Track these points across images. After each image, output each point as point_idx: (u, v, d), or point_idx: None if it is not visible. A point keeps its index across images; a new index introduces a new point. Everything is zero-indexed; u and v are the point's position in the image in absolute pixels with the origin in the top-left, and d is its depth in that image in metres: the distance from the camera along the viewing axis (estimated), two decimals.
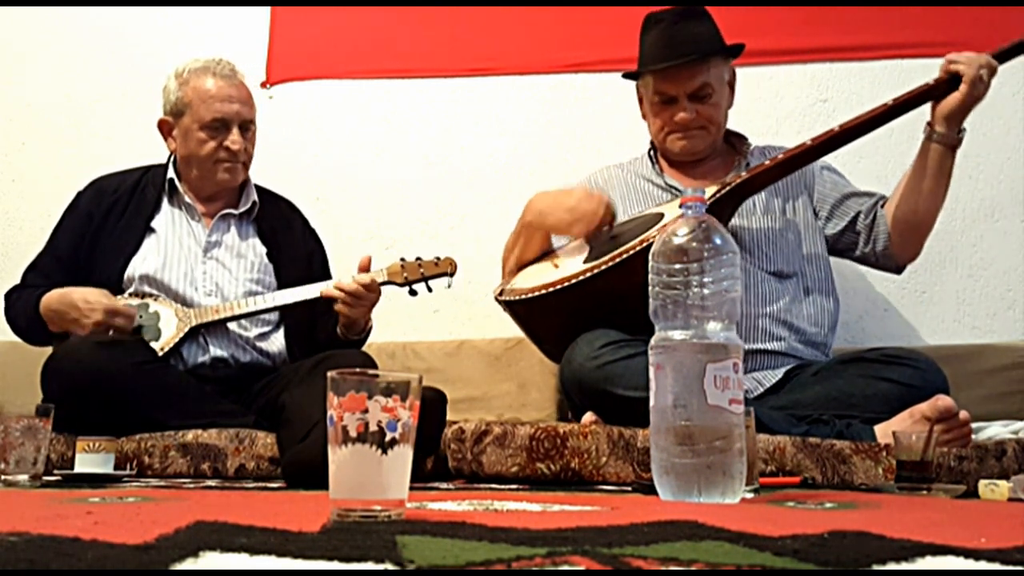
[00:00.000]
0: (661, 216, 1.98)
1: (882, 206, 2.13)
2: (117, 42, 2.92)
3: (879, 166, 2.53)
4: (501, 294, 2.07)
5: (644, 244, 1.83)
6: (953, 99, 1.93)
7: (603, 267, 1.87)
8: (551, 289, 1.92)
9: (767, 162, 2.01)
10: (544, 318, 2.01)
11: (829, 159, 2.15)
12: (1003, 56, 1.97)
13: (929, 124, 2.00)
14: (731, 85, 2.17)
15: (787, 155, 2.01)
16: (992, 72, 1.93)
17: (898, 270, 2.20)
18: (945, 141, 1.98)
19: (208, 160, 2.12)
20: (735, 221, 2.07)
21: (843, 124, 2.02)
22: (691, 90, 2.07)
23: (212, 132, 2.10)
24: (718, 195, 1.95)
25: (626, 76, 2.21)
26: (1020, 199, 2.57)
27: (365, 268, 2.07)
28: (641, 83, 2.18)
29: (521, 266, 2.15)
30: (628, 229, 1.99)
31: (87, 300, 1.94)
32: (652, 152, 2.25)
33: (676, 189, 2.16)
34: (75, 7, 2.93)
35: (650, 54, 2.10)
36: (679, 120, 2.10)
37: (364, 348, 2.17)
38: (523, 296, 1.98)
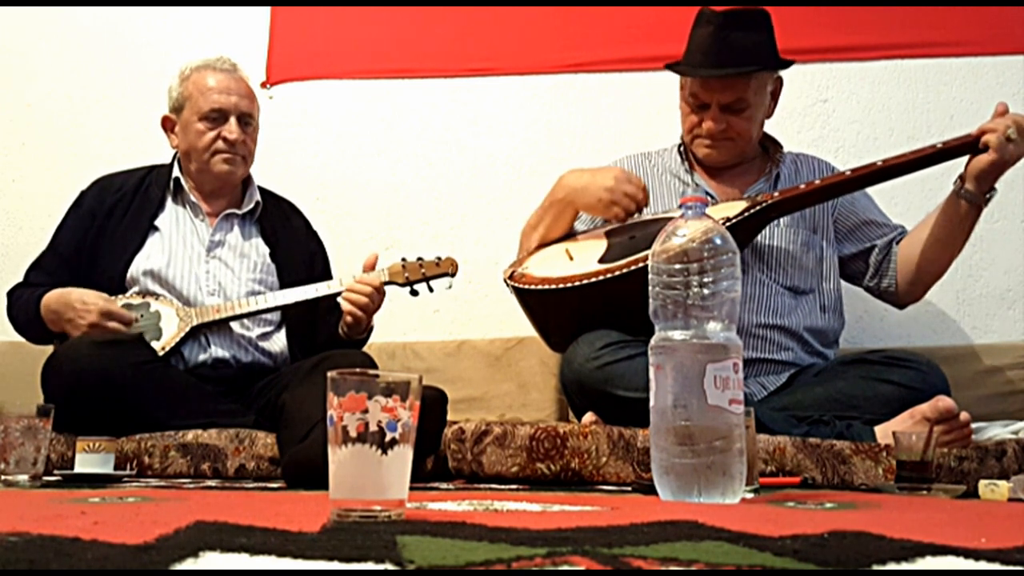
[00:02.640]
0: None
1: (897, 242, 2.12)
2: (117, 42, 2.92)
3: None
4: (511, 277, 2.04)
5: None
6: (982, 160, 1.89)
7: (617, 272, 1.87)
8: (562, 285, 1.92)
9: (802, 186, 1.98)
10: (552, 311, 2.00)
11: None
12: None
13: (960, 178, 1.96)
14: (775, 95, 2.13)
15: (824, 183, 1.97)
16: (1021, 132, 1.86)
17: (899, 307, 2.21)
18: (972, 199, 1.94)
19: (206, 151, 2.12)
20: (762, 232, 2.04)
21: (887, 160, 1.98)
22: (725, 102, 2.03)
23: (210, 123, 2.11)
24: (746, 215, 1.93)
25: (669, 67, 2.14)
26: (1020, 199, 2.57)
27: (371, 266, 2.07)
28: (681, 77, 2.13)
29: (543, 245, 2.13)
30: (648, 232, 1.95)
31: (84, 301, 1.94)
32: (681, 147, 2.21)
33: (705, 192, 2.13)
34: (75, 7, 2.93)
35: (692, 55, 2.04)
36: (706, 129, 2.07)
37: (364, 348, 2.17)
38: (533, 287, 1.97)
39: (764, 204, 1.95)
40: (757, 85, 2.04)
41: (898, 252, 2.11)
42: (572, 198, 2.06)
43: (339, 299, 2.06)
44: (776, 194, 1.97)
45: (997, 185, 1.95)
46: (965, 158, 1.96)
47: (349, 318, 2.05)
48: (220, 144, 2.12)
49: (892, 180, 2.05)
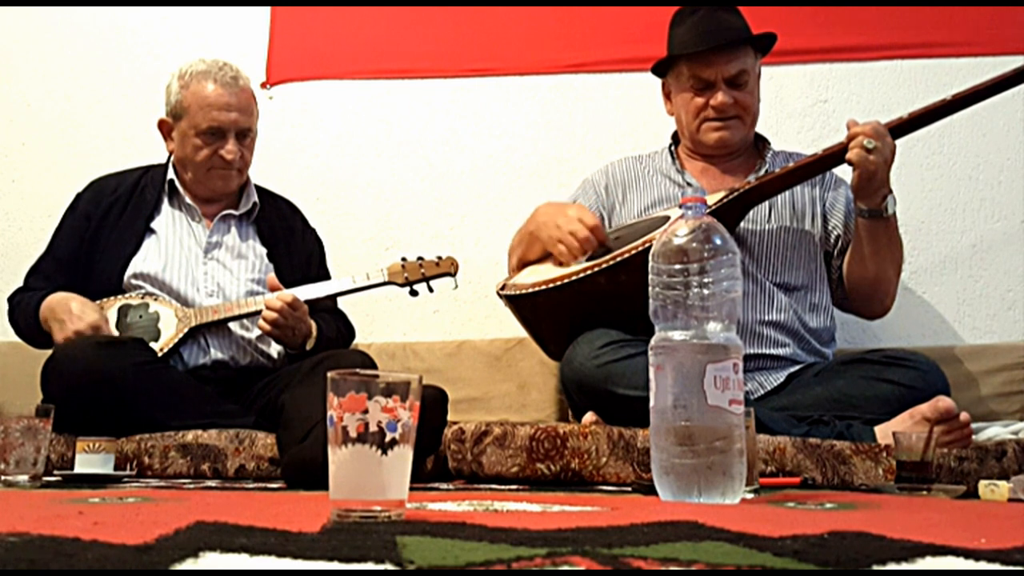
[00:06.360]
0: (667, 219, 1.97)
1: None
2: (117, 42, 2.91)
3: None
4: (503, 288, 2.06)
5: (646, 245, 1.83)
6: (854, 179, 1.92)
7: (603, 266, 1.87)
8: (552, 285, 1.92)
9: (777, 171, 2.00)
10: (544, 315, 2.00)
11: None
12: (898, 130, 1.95)
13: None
14: (757, 79, 2.16)
15: (798, 164, 1.99)
16: (880, 136, 1.89)
17: (869, 319, 2.22)
18: (871, 215, 1.95)
19: (202, 167, 2.12)
20: (749, 228, 2.06)
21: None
22: (729, 75, 2.06)
23: (208, 139, 2.09)
24: (725, 200, 1.94)
25: (655, 69, 2.18)
26: (1020, 199, 2.57)
27: (275, 287, 2.05)
28: (672, 75, 2.16)
29: (523, 265, 2.15)
30: (634, 230, 1.99)
31: (82, 309, 1.94)
32: (673, 147, 2.24)
33: (692, 187, 2.14)
34: (75, 7, 2.93)
35: (687, 41, 2.08)
36: (717, 104, 2.07)
37: (364, 348, 2.17)
38: (524, 291, 1.97)
39: (742, 190, 1.96)
40: (753, 62, 2.11)
41: (843, 271, 2.11)
42: (537, 233, 2.08)
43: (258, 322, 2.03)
44: (752, 180, 1.98)
45: (894, 190, 1.95)
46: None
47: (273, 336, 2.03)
48: (216, 161, 2.11)
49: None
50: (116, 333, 1.98)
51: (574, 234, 1.98)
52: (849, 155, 1.90)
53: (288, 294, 2.00)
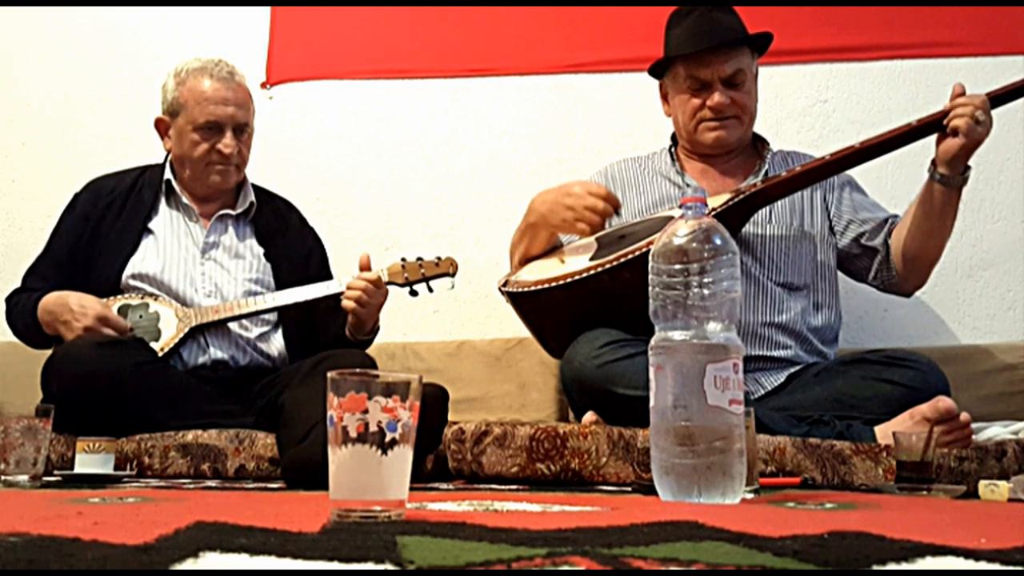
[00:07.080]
0: (672, 218, 1.97)
1: (890, 232, 2.12)
2: (117, 42, 2.92)
3: (899, 185, 2.53)
4: (505, 285, 2.05)
5: (650, 245, 1.83)
6: (953, 145, 1.91)
7: (607, 265, 1.87)
8: (554, 284, 1.92)
9: (783, 173, 2.00)
10: (546, 313, 2.00)
11: (854, 174, 2.15)
12: (999, 99, 1.96)
13: (933, 163, 1.97)
14: (754, 79, 2.16)
15: (804, 168, 1.99)
16: (988, 111, 1.91)
17: (906, 295, 2.22)
18: (948, 183, 1.95)
19: (200, 162, 2.12)
20: (750, 229, 2.06)
21: (864, 141, 2.00)
22: (725, 75, 2.06)
23: (205, 134, 2.10)
24: (730, 203, 1.94)
25: (652, 70, 2.18)
26: (1020, 199, 2.57)
27: (367, 266, 2.07)
28: (668, 76, 2.16)
29: (527, 260, 2.14)
30: (638, 230, 1.98)
31: (82, 304, 1.94)
32: (672, 148, 2.24)
33: (692, 187, 2.14)
34: (75, 7, 2.93)
35: (683, 42, 2.08)
36: (714, 104, 2.07)
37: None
38: (526, 289, 1.97)
39: (747, 193, 1.96)
40: (750, 61, 2.11)
41: (892, 244, 2.11)
42: (542, 221, 2.07)
43: (342, 300, 2.06)
44: (759, 183, 1.98)
45: (971, 163, 1.96)
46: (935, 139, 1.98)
47: (351, 317, 2.05)
48: (214, 156, 2.11)
49: (873, 160, 2.06)
50: (120, 318, 1.97)
51: (592, 208, 1.97)
52: (957, 123, 1.89)
53: (373, 275, 2.02)
